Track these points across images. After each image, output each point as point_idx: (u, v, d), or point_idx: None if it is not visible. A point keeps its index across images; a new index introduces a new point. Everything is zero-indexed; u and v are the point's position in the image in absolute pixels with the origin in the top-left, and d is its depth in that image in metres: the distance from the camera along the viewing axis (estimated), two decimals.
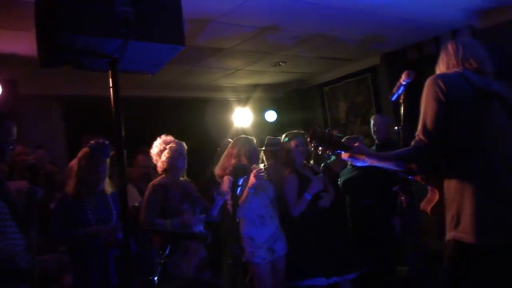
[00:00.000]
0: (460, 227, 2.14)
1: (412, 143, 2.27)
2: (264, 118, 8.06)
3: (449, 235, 2.19)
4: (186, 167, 4.20)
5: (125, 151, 1.97)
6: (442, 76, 2.29)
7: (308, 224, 4.35)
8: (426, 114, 2.24)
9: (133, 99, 6.63)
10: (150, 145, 4.22)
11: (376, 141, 5.42)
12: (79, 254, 3.53)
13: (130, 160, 5.36)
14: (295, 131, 4.67)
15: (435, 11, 5.24)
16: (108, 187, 3.76)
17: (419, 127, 2.26)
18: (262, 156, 4.94)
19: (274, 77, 7.97)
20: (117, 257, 3.50)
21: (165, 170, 4.05)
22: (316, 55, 6.81)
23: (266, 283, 4.14)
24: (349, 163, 3.55)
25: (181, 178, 4.19)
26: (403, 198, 3.02)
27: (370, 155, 2.38)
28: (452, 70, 2.36)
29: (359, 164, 2.42)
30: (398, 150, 2.37)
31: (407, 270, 4.87)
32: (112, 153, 3.58)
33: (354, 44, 6.39)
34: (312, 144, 2.42)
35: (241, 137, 4.50)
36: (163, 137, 4.11)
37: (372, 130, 5.46)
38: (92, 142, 3.70)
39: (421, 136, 2.23)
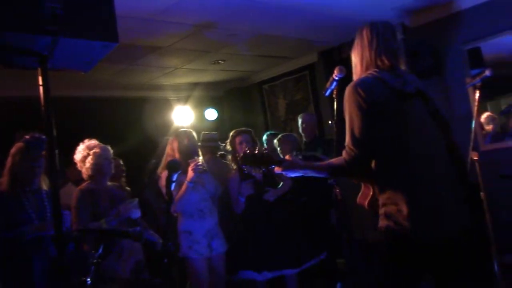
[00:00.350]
0: (393, 221, 2.19)
1: (343, 153, 2.27)
2: (205, 117, 8.04)
3: (382, 223, 2.25)
4: (113, 171, 4.08)
5: (56, 151, 1.92)
6: (360, 84, 2.28)
7: (249, 220, 4.40)
8: (352, 124, 2.24)
9: (71, 99, 6.47)
10: None
11: (304, 139, 5.60)
12: (20, 254, 3.39)
13: (67, 159, 5.23)
14: (242, 128, 4.71)
15: (368, 10, 5.38)
16: (44, 184, 3.63)
17: (348, 137, 2.25)
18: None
19: (214, 75, 7.96)
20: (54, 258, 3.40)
21: (90, 176, 3.90)
22: (254, 53, 6.86)
23: (202, 279, 4.13)
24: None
25: (110, 183, 4.07)
26: (337, 190, 3.09)
27: (302, 167, 2.41)
28: (367, 73, 2.36)
29: (292, 175, 2.46)
30: (330, 161, 2.37)
31: (344, 262, 4.99)
32: None
33: (292, 42, 6.48)
34: (245, 168, 2.49)
35: (179, 131, 4.47)
36: (86, 141, 3.95)
37: (300, 128, 5.63)
38: (27, 137, 3.56)
39: (351, 147, 2.23)
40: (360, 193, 2.52)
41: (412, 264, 2.20)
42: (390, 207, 2.21)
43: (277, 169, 2.44)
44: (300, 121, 5.68)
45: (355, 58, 2.50)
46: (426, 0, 5.41)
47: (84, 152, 3.89)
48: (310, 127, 5.66)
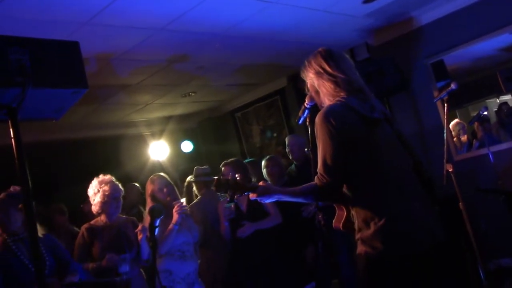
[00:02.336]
0: (367, 242, 2.22)
1: (316, 179, 2.29)
2: (181, 150, 8.01)
3: (360, 249, 2.27)
4: (120, 210, 4.07)
5: (33, 203, 1.89)
6: (331, 112, 2.30)
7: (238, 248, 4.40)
8: (324, 152, 2.26)
9: (43, 144, 6.38)
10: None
11: (295, 162, 5.52)
12: None
13: (47, 202, 5.23)
14: (232, 159, 4.78)
15: (332, 32, 5.50)
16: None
17: (320, 165, 2.28)
18: (193, 188, 4.92)
19: (186, 108, 7.98)
20: None
21: (98, 214, 3.98)
22: (224, 82, 6.91)
23: None
24: None
25: (124, 216, 4.12)
26: (320, 216, 3.09)
27: (276, 192, 2.41)
28: (336, 100, 2.37)
29: (267, 201, 2.46)
30: (303, 186, 2.37)
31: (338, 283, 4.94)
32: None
33: (260, 69, 6.55)
34: (220, 194, 2.46)
35: (152, 177, 4.40)
36: (101, 177, 4.00)
37: (287, 151, 5.58)
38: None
39: (324, 174, 2.25)
40: (335, 217, 2.53)
41: (394, 285, 2.21)
42: (365, 232, 2.23)
43: (252, 195, 2.43)
44: (286, 143, 5.60)
45: (315, 87, 2.51)
46: (386, 19, 5.54)
47: (95, 189, 3.95)
48: (297, 150, 5.41)
